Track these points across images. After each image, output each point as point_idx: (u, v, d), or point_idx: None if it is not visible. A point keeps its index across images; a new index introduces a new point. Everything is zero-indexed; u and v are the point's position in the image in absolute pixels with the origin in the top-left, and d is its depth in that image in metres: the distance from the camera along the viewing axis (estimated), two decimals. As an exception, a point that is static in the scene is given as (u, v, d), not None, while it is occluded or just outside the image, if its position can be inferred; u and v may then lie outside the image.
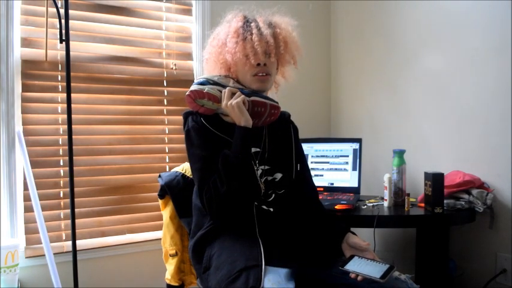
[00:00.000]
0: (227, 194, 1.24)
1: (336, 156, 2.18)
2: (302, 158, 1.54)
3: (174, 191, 1.53)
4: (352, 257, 1.29)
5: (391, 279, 1.20)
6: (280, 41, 1.38)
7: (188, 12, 2.33)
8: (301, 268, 1.29)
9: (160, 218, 1.70)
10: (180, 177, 1.55)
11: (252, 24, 1.36)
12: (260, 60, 1.34)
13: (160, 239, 1.61)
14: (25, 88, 1.94)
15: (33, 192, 1.82)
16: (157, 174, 1.63)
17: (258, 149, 1.40)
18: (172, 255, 1.54)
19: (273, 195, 1.40)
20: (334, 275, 1.28)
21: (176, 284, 1.53)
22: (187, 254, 1.52)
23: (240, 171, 1.26)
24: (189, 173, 1.55)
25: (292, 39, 1.41)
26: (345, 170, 2.14)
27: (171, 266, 1.54)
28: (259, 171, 1.38)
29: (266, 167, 1.40)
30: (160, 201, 1.59)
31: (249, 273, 1.13)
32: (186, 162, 1.55)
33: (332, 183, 2.15)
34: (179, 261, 1.54)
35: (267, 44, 1.34)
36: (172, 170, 1.63)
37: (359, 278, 1.20)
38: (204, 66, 1.51)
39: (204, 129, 1.34)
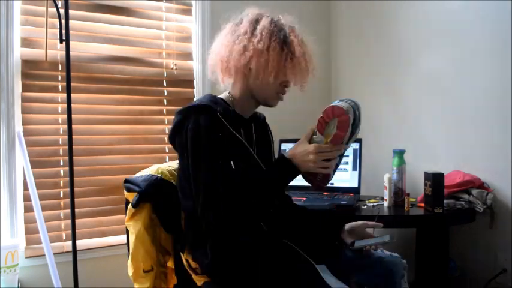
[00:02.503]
0: (239, 215, 1.19)
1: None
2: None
3: (157, 199, 1.36)
4: (353, 242, 1.36)
5: (387, 255, 1.38)
6: (312, 64, 1.38)
7: (188, 12, 2.33)
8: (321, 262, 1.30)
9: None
10: (161, 181, 1.39)
11: (304, 48, 1.32)
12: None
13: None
14: (25, 88, 1.94)
15: (33, 192, 1.82)
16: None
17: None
18: (146, 271, 1.36)
19: None
20: (344, 262, 1.34)
21: None
22: (162, 268, 1.41)
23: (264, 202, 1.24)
24: (167, 177, 1.41)
25: (314, 66, 1.40)
26: (345, 170, 2.14)
27: (145, 284, 1.36)
28: None
29: None
30: (130, 211, 1.36)
31: (308, 275, 1.17)
32: (157, 165, 1.45)
33: (332, 183, 2.14)
34: (154, 277, 1.38)
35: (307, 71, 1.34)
36: (144, 174, 1.42)
37: (372, 247, 1.34)
38: (231, 57, 1.29)
39: (219, 128, 1.22)
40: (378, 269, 1.36)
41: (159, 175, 1.40)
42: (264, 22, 1.29)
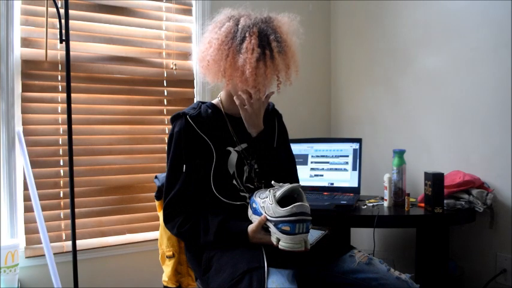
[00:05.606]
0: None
1: (336, 156, 2.18)
2: (286, 146, 1.53)
3: None
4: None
5: (392, 277, 1.21)
6: (285, 65, 1.32)
7: (188, 12, 2.33)
8: (303, 268, 1.29)
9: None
10: None
11: (266, 51, 1.26)
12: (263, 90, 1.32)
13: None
14: (25, 88, 1.95)
15: (33, 192, 1.82)
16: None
17: (246, 144, 1.40)
18: (169, 257, 1.53)
19: (263, 186, 1.39)
20: (335, 274, 1.28)
21: (173, 286, 1.52)
22: (184, 256, 1.52)
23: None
24: None
25: (295, 59, 1.34)
26: (345, 170, 2.14)
27: (168, 267, 1.53)
28: (250, 166, 1.39)
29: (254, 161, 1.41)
30: (156, 203, 1.57)
31: (252, 275, 1.13)
32: None
33: (332, 183, 2.15)
34: (176, 262, 1.52)
35: (277, 73, 1.31)
36: None
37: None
38: (206, 66, 1.34)
39: (189, 134, 1.33)
40: None
41: None
42: (224, 28, 1.31)
